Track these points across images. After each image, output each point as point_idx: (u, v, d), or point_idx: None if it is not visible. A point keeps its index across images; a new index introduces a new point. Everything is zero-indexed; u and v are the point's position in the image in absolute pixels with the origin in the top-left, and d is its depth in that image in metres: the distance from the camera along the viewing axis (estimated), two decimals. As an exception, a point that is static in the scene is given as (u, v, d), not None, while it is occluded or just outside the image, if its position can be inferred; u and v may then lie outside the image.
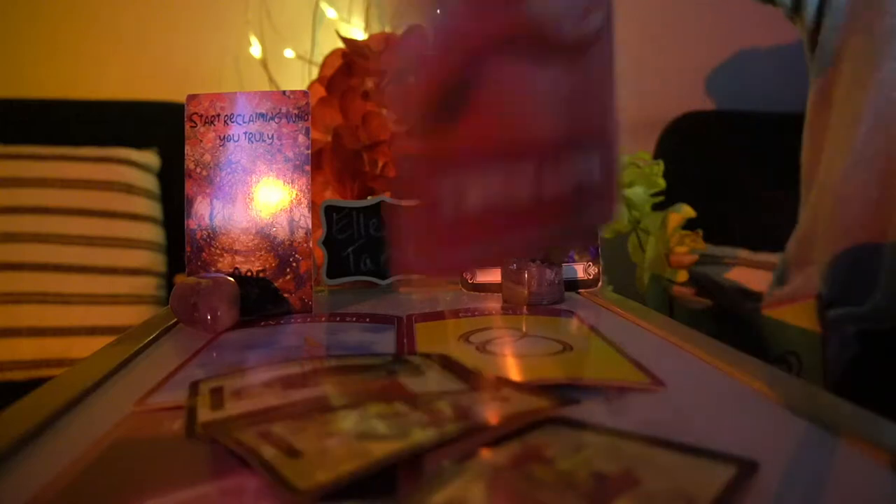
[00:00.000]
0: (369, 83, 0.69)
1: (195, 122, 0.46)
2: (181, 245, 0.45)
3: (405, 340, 0.37)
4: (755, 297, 0.79)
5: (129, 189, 1.04)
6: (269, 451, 0.20)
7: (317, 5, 1.21)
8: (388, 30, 0.85)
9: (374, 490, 0.19)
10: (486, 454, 0.20)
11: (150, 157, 1.09)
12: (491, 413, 0.24)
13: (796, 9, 0.71)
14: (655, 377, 0.29)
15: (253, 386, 0.27)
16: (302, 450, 0.20)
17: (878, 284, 0.60)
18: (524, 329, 0.39)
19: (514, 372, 0.30)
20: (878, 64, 0.62)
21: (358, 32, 1.20)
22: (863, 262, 0.61)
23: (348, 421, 0.23)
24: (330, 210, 0.53)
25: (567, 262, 0.51)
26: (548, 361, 0.32)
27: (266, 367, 0.30)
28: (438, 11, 0.20)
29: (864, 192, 0.62)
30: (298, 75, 1.22)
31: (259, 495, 0.19)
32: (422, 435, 0.21)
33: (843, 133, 0.65)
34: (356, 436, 0.21)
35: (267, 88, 1.20)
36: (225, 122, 0.46)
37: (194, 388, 0.27)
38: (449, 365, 0.29)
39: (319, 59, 0.70)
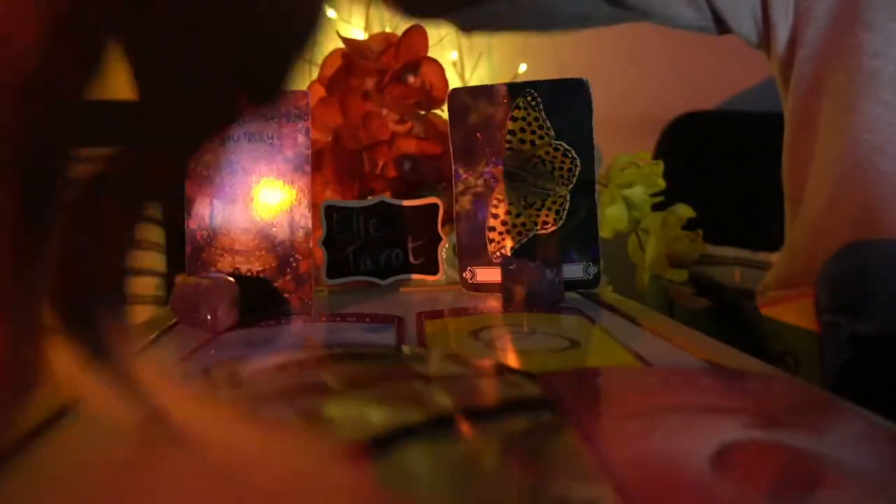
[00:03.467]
0: (369, 83, 0.69)
1: (195, 123, 0.46)
2: (181, 245, 0.45)
3: (414, 338, 0.38)
4: (755, 297, 0.79)
5: (129, 189, 1.04)
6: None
7: (317, 5, 1.21)
8: (388, 30, 0.85)
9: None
10: (484, 436, 0.21)
11: (151, 157, 1.09)
12: (494, 395, 0.24)
13: (763, 41, 0.69)
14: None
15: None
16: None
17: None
18: (532, 326, 0.40)
19: (522, 365, 0.31)
20: (858, 106, 0.61)
21: (358, 32, 1.20)
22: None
23: (347, 404, 0.23)
24: (330, 210, 0.53)
25: (567, 262, 0.51)
26: (556, 356, 0.32)
27: (263, 360, 0.30)
28: None
29: (838, 232, 0.61)
30: (298, 75, 1.22)
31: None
32: (422, 417, 0.21)
33: (825, 168, 0.64)
34: (357, 419, 0.21)
35: (267, 88, 1.19)
36: (225, 122, 0.46)
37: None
38: (452, 355, 0.30)
39: (319, 59, 0.70)
